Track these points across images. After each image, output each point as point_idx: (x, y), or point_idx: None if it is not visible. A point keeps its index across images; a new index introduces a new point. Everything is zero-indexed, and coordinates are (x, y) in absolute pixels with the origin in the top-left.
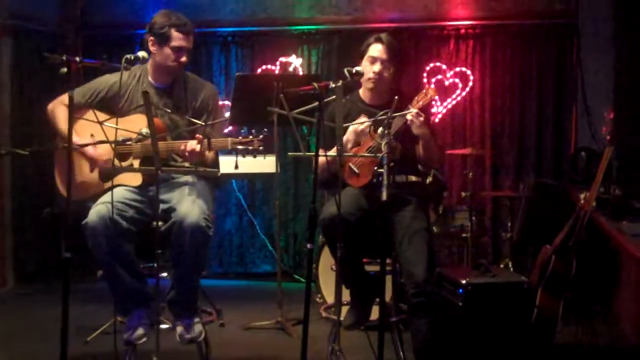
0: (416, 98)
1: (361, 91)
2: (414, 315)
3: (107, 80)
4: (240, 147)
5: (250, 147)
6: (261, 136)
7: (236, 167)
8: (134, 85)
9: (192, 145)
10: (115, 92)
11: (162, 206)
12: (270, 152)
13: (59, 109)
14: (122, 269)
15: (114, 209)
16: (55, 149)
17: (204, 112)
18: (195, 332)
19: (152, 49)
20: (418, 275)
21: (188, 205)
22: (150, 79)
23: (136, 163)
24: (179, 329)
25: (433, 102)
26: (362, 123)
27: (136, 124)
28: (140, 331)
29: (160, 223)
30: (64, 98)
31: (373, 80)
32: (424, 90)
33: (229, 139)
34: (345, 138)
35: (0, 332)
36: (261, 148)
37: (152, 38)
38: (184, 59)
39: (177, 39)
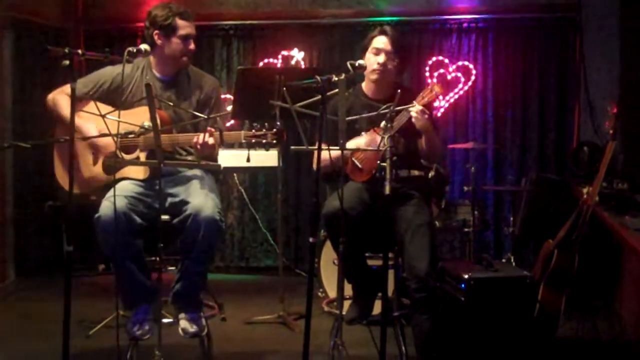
0: (421, 94)
1: (364, 85)
2: (416, 310)
3: (111, 72)
4: (253, 140)
5: (264, 141)
6: (274, 129)
7: (248, 160)
8: (137, 78)
9: (204, 138)
10: (119, 84)
11: (170, 199)
12: (281, 145)
13: (60, 97)
14: (132, 264)
15: (126, 204)
16: (58, 141)
17: (208, 104)
18: (199, 326)
19: (158, 42)
20: (421, 270)
21: (201, 198)
22: (154, 71)
23: (142, 156)
24: (183, 322)
25: None
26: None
27: (140, 116)
28: (146, 327)
29: (167, 217)
30: (65, 87)
31: (377, 71)
32: (430, 87)
33: (242, 132)
34: (354, 145)
35: (1, 326)
36: (274, 141)
37: (157, 31)
38: (192, 46)
39: (183, 27)
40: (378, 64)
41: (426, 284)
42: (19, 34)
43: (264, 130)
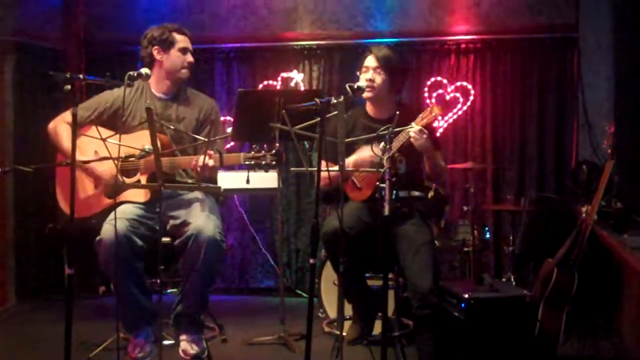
0: (421, 115)
1: (366, 105)
2: (419, 329)
3: (110, 96)
4: (252, 162)
5: (263, 162)
6: (274, 151)
7: (248, 181)
8: (137, 100)
9: (205, 160)
10: (118, 107)
11: (172, 222)
12: (281, 166)
13: (61, 126)
14: (133, 286)
15: (128, 226)
16: (59, 165)
17: (207, 124)
18: (200, 347)
19: (158, 57)
20: (423, 287)
21: (202, 220)
22: (153, 90)
23: (143, 179)
24: (183, 343)
25: None
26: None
27: (141, 139)
28: (146, 349)
29: (168, 239)
30: (66, 115)
31: (367, 88)
32: (429, 109)
33: (242, 154)
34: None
35: (2, 348)
36: (274, 163)
37: (156, 47)
38: (191, 59)
39: (181, 40)
40: (366, 80)
41: (429, 301)
42: (21, 57)
43: (263, 152)
